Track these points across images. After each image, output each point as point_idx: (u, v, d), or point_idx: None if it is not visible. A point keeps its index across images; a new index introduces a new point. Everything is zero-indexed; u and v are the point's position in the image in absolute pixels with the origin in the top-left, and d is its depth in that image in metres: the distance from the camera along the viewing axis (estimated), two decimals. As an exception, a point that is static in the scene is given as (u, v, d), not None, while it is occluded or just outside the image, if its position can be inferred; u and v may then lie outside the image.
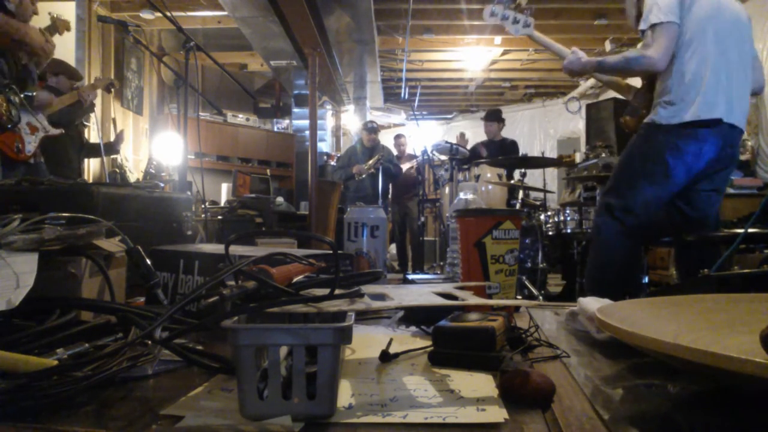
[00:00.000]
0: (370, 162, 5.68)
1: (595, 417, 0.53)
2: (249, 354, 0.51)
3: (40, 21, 3.02)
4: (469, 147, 5.72)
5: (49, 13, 3.08)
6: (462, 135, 6.68)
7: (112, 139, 6.19)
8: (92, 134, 5.80)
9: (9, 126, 2.67)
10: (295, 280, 0.71)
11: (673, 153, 1.99)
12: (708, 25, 2.02)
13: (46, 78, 3.63)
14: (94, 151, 4.17)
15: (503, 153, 5.16)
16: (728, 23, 2.07)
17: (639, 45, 2.12)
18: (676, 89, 2.02)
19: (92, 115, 4.31)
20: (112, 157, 6.17)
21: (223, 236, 3.89)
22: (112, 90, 3.87)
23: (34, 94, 2.91)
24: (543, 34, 2.42)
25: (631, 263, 2.12)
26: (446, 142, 4.87)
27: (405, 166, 6.39)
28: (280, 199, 5.48)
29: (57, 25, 3.06)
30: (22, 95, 2.77)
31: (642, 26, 2.03)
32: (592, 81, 8.73)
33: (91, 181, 5.44)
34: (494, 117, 5.56)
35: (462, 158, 4.77)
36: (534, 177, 5.71)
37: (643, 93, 2.25)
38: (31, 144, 2.90)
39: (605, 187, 2.31)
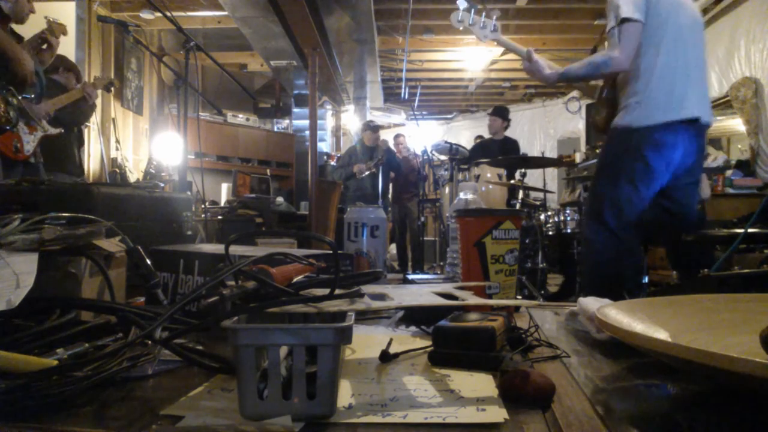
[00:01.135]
0: (370, 162, 5.69)
1: (595, 417, 0.53)
2: (249, 354, 0.51)
3: (37, 24, 3.02)
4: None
5: (45, 17, 3.07)
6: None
7: (112, 139, 6.22)
8: (92, 134, 5.81)
9: (7, 128, 2.66)
10: (295, 280, 0.71)
11: (651, 151, 2.00)
12: (671, 23, 2.02)
13: (58, 71, 3.64)
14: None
15: (504, 153, 5.14)
16: (689, 21, 2.08)
17: (605, 45, 2.13)
18: (645, 89, 2.02)
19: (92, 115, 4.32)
20: (112, 157, 6.18)
21: (223, 236, 3.89)
22: (112, 89, 3.87)
23: (32, 96, 2.91)
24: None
25: (625, 268, 2.12)
26: (446, 142, 4.87)
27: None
28: (280, 199, 5.48)
29: (53, 29, 3.06)
30: (20, 97, 2.76)
31: (611, 23, 2.01)
32: (592, 81, 8.72)
33: (91, 181, 5.44)
34: (499, 113, 5.50)
35: (462, 158, 4.77)
36: (534, 177, 5.71)
37: (608, 89, 2.26)
38: (29, 144, 2.90)
39: (589, 192, 2.32)
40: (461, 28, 2.35)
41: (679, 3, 2.07)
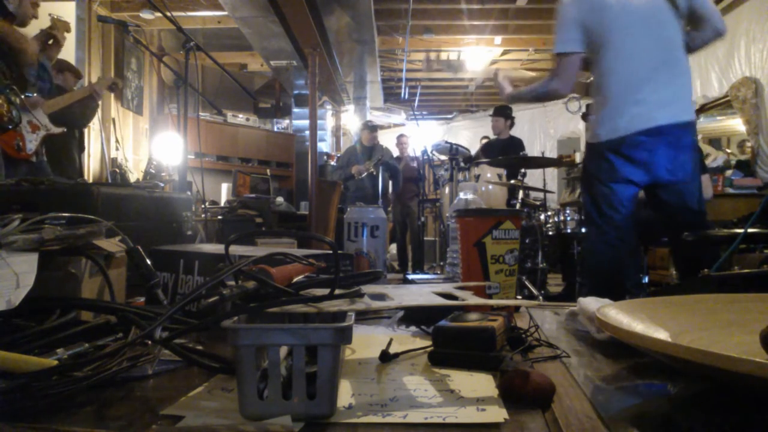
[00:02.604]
0: (369, 162, 5.68)
1: (595, 417, 0.53)
2: (249, 354, 0.51)
3: (40, 22, 3.03)
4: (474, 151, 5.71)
5: (50, 15, 3.08)
6: None
7: (112, 140, 6.22)
8: (92, 134, 5.81)
9: (10, 126, 2.67)
10: (295, 280, 0.71)
11: (613, 157, 2.01)
12: (618, 29, 1.98)
13: (53, 74, 3.64)
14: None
15: (506, 152, 5.11)
16: (643, 13, 2.00)
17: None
18: (601, 104, 2.04)
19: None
20: (112, 157, 6.18)
21: (223, 236, 3.89)
22: (116, 90, 3.88)
23: (35, 94, 2.91)
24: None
25: (624, 267, 2.13)
26: (446, 142, 4.87)
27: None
28: (280, 199, 5.47)
29: (58, 26, 3.06)
30: (23, 96, 2.76)
31: (553, 50, 2.10)
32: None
33: (91, 181, 5.44)
34: (501, 112, 5.46)
35: (464, 158, 4.76)
36: (534, 177, 5.71)
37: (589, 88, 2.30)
38: (32, 142, 2.90)
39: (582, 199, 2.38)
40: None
41: (625, 3, 2.00)
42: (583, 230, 3.63)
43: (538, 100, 2.30)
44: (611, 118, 2.01)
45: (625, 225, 2.08)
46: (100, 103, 3.92)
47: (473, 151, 5.70)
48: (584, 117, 2.43)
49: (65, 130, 3.21)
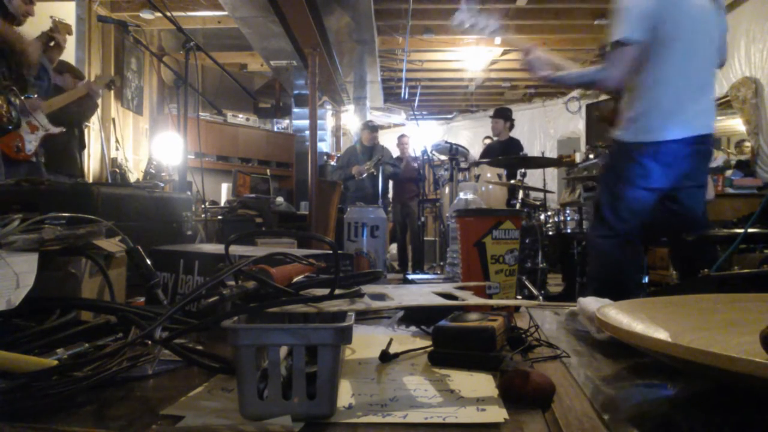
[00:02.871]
0: (369, 163, 5.68)
1: (595, 417, 0.53)
2: (249, 354, 0.51)
3: (41, 24, 3.02)
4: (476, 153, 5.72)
5: (51, 17, 3.07)
6: None
7: (112, 140, 6.22)
8: (92, 134, 5.81)
9: (9, 128, 2.66)
10: (295, 280, 0.71)
11: (647, 161, 1.99)
12: (683, 34, 1.97)
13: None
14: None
15: (506, 153, 5.13)
16: (703, 24, 2.01)
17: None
18: (643, 106, 2.00)
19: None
20: (112, 157, 6.18)
21: (223, 236, 3.89)
22: (113, 87, 3.88)
23: (35, 95, 2.91)
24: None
25: (630, 269, 2.14)
26: (446, 142, 4.87)
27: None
28: (280, 199, 5.47)
29: (59, 28, 3.06)
30: (22, 97, 2.76)
31: (611, 38, 1.98)
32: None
33: (91, 181, 5.44)
34: (500, 114, 5.49)
35: (462, 158, 4.77)
36: (534, 177, 5.70)
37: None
38: (31, 143, 2.90)
39: (594, 201, 2.32)
40: (462, 29, 2.37)
41: (699, 7, 1.99)
42: (586, 227, 3.62)
43: (580, 87, 2.24)
44: (656, 120, 1.98)
45: (636, 230, 2.07)
46: (97, 102, 3.91)
47: (473, 152, 5.70)
48: (608, 114, 2.33)
49: (64, 129, 3.20)
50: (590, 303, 0.87)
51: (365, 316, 1.06)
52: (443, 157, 5.15)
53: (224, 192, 5.72)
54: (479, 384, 0.63)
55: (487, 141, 7.87)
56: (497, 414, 0.53)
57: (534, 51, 2.17)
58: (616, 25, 1.96)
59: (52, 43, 3.06)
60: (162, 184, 4.36)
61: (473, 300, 0.77)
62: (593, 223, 2.25)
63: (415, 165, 6.19)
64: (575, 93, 9.35)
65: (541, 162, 4.30)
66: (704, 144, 2.05)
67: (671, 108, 1.99)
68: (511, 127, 5.51)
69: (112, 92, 6.14)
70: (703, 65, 2.06)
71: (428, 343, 0.76)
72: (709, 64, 2.08)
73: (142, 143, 7.00)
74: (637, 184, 2.03)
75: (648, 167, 1.99)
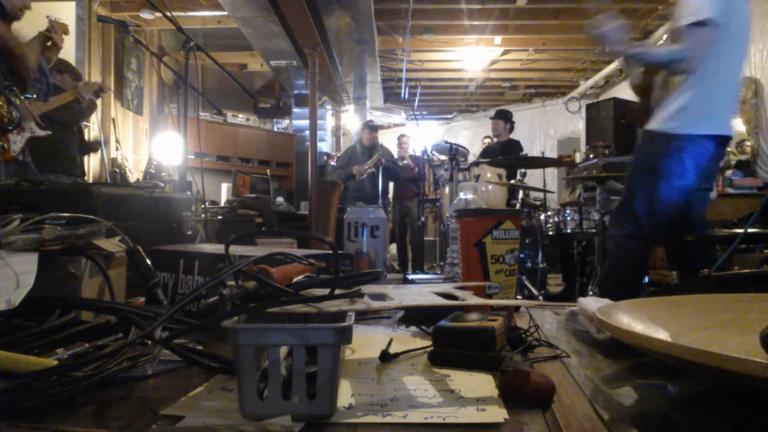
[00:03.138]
0: (370, 162, 5.68)
1: (595, 417, 0.53)
2: (249, 354, 0.51)
3: (38, 24, 3.02)
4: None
5: (47, 17, 3.07)
6: None
7: (112, 140, 6.21)
8: (92, 134, 5.81)
9: (10, 128, 2.66)
10: (295, 280, 0.71)
11: (687, 157, 1.98)
12: (733, 32, 1.98)
13: (51, 73, 3.63)
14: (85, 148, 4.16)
15: (505, 154, 5.14)
16: (745, 28, 2.03)
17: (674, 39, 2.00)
18: (692, 97, 1.98)
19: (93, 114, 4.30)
20: (112, 157, 6.18)
21: (223, 236, 3.89)
22: (101, 95, 3.86)
23: (34, 96, 2.91)
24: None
25: (643, 266, 2.14)
26: (446, 142, 4.87)
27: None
28: (280, 199, 5.47)
29: (56, 28, 3.05)
30: (22, 97, 2.76)
31: (687, 20, 1.91)
32: (592, 81, 8.74)
33: (91, 181, 5.43)
34: (501, 116, 5.51)
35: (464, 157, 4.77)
36: (534, 177, 5.71)
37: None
38: (16, 144, 2.88)
39: (622, 199, 2.23)
40: None
41: (747, 8, 2.01)
42: (586, 227, 3.61)
43: (653, 65, 2.09)
44: (706, 112, 1.96)
45: (661, 232, 2.06)
46: (95, 104, 3.90)
47: (473, 152, 5.71)
48: (637, 113, 2.23)
49: (50, 133, 3.17)
50: (590, 303, 0.87)
51: (365, 316, 1.06)
52: (443, 157, 5.15)
53: (224, 192, 5.72)
54: (479, 384, 0.63)
55: (487, 140, 7.88)
56: (497, 414, 0.53)
57: (611, 21, 2.04)
58: (693, 5, 1.91)
59: (49, 43, 3.05)
60: (162, 184, 4.36)
61: (473, 300, 0.77)
62: (618, 220, 2.18)
63: (411, 164, 6.19)
64: (575, 93, 9.36)
65: (541, 162, 4.30)
66: (724, 147, 2.06)
67: (718, 102, 1.98)
68: (512, 129, 5.52)
69: (112, 93, 6.14)
70: (740, 65, 2.06)
71: (428, 343, 0.76)
72: (741, 67, 2.08)
73: (142, 143, 7.00)
74: (674, 182, 2.00)
75: (685, 163, 1.97)
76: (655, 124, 2.06)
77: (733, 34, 1.97)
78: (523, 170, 3.99)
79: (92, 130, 5.75)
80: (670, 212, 2.05)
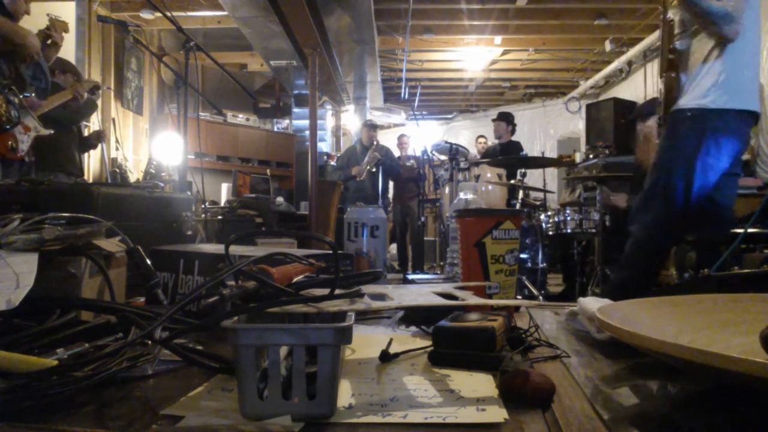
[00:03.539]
0: (366, 160, 5.67)
1: (595, 417, 0.53)
2: (249, 354, 0.51)
3: (38, 22, 3.02)
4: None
5: (47, 15, 3.07)
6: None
7: (112, 139, 6.21)
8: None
9: (8, 127, 2.66)
10: (295, 280, 0.71)
11: (722, 134, 1.94)
12: (755, 8, 1.98)
13: (54, 73, 3.63)
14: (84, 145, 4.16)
15: (506, 155, 5.15)
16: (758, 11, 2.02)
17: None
18: (725, 72, 1.95)
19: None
20: (112, 157, 6.18)
21: (223, 236, 3.89)
22: (97, 93, 3.85)
23: (32, 95, 2.91)
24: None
25: (662, 259, 2.09)
26: (446, 142, 4.87)
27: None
28: (280, 199, 5.47)
29: (56, 26, 3.05)
30: (21, 96, 2.76)
31: None
32: (592, 81, 8.74)
33: (91, 180, 5.43)
34: (503, 117, 5.55)
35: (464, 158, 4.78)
36: (534, 177, 5.71)
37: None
38: (24, 143, 2.89)
39: (651, 181, 2.11)
40: None
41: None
42: (586, 227, 3.60)
43: (697, 15, 1.96)
44: (736, 86, 1.94)
45: (691, 216, 1.99)
46: (96, 103, 3.90)
47: (473, 152, 5.72)
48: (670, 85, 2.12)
49: (53, 132, 3.18)
50: (590, 303, 0.87)
51: (365, 316, 1.06)
52: (443, 157, 5.15)
53: (224, 192, 5.72)
54: (479, 384, 0.63)
55: (482, 140, 7.89)
56: (497, 414, 0.53)
57: None
58: None
59: (49, 41, 3.05)
60: (162, 184, 4.35)
61: (473, 300, 0.77)
62: (649, 209, 2.08)
63: (409, 163, 6.19)
64: (575, 93, 9.35)
65: (541, 162, 4.30)
66: (755, 123, 2.00)
67: (748, 77, 1.96)
68: (513, 131, 5.54)
69: (112, 92, 6.14)
70: (759, 43, 2.05)
71: (428, 343, 0.76)
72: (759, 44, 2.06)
73: (142, 143, 7.00)
74: (715, 167, 1.94)
75: (722, 141, 1.92)
76: (687, 100, 2.01)
77: (750, 14, 1.96)
78: (523, 170, 3.99)
79: (92, 130, 5.75)
80: (702, 196, 1.97)
